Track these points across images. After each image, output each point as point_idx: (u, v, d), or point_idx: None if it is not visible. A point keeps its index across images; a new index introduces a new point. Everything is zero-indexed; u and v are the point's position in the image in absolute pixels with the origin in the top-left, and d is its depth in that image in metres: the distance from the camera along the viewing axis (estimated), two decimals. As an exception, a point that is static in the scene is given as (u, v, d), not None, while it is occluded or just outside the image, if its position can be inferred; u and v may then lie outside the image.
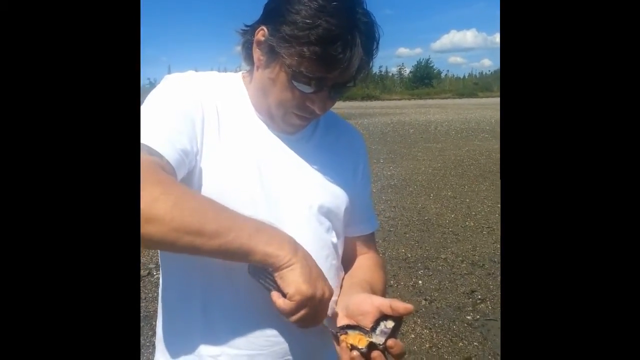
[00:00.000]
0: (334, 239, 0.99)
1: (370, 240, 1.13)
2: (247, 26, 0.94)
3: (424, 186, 7.38)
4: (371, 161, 9.59)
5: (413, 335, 3.10)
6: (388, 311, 0.82)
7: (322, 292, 0.79)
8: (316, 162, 0.98)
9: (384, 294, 1.01)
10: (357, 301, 0.87)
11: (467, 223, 5.44)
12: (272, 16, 0.88)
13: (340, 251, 1.03)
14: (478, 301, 3.52)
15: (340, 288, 1.00)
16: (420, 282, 3.90)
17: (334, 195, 0.98)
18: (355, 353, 0.80)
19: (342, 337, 0.82)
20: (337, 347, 0.84)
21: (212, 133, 0.89)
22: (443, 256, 4.45)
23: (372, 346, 0.79)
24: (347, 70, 0.85)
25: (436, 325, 3.21)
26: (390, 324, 0.81)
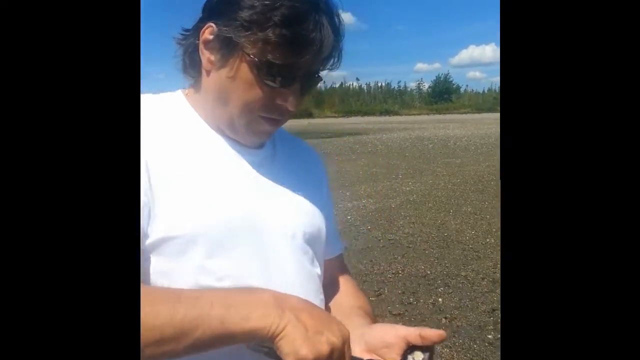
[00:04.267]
0: (318, 270, 0.88)
1: (342, 261, 1.05)
2: (186, 30, 0.82)
3: (443, 202, 7.32)
4: (390, 177, 9.61)
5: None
6: (417, 341, 0.73)
7: (330, 344, 0.65)
8: (287, 183, 0.88)
9: (373, 316, 0.93)
10: (379, 333, 0.77)
11: (487, 240, 5.37)
12: (219, 9, 0.77)
13: (321, 281, 0.91)
14: (499, 320, 3.46)
15: None
16: (440, 299, 3.85)
17: (313, 219, 0.89)
18: None
19: None
20: None
21: (162, 172, 0.74)
22: (463, 273, 4.39)
23: None
24: (320, 53, 0.75)
25: (456, 344, 3.16)
26: (419, 355, 0.73)
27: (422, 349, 0.72)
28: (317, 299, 0.85)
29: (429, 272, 4.44)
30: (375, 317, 0.92)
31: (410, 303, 3.80)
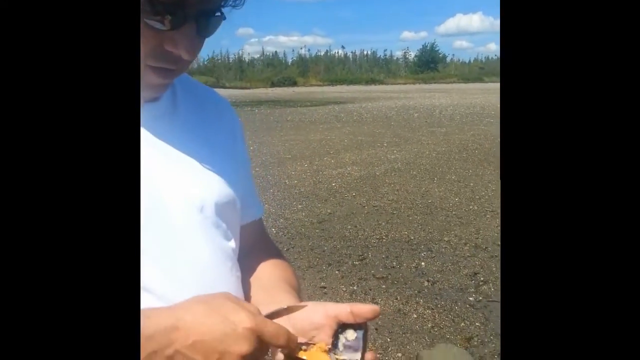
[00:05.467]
0: (233, 244, 0.77)
1: (262, 226, 0.94)
2: None
3: (428, 170, 7.37)
4: (375, 145, 9.62)
5: (415, 315, 3.12)
6: (349, 319, 0.65)
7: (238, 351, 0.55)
8: (191, 144, 0.74)
9: (299, 290, 0.84)
10: (305, 314, 0.67)
11: (470, 207, 5.44)
12: None
13: (236, 254, 0.80)
14: (481, 283, 3.53)
15: (249, 300, 0.78)
16: (423, 263, 3.91)
17: (225, 185, 0.76)
18: None
19: (302, 355, 0.63)
20: None
21: None
22: (446, 239, 4.45)
23: None
24: None
25: (438, 306, 3.22)
26: (352, 334, 0.65)
27: (355, 326, 0.65)
28: (233, 277, 0.75)
29: (412, 238, 4.49)
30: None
31: (393, 267, 3.85)
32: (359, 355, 0.63)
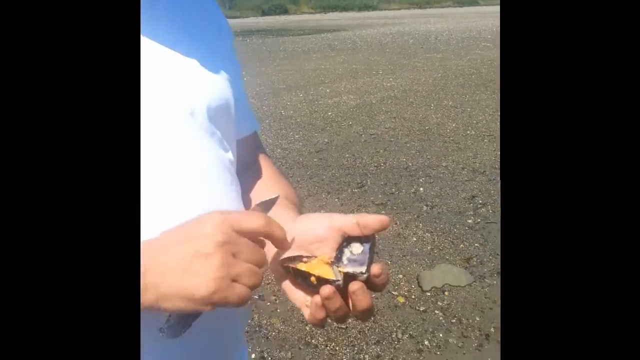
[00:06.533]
0: (230, 155, 0.71)
1: (258, 140, 0.87)
2: None
3: (424, 97, 7.28)
4: (370, 73, 9.46)
5: (415, 239, 3.18)
6: (355, 231, 0.59)
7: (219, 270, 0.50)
8: (174, 38, 0.65)
9: (301, 208, 0.78)
10: (309, 226, 0.62)
11: (468, 132, 5.42)
12: None
13: (234, 168, 0.74)
14: (479, 206, 3.58)
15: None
16: (421, 189, 3.94)
17: (218, 88, 0.69)
18: (327, 290, 0.55)
19: (301, 267, 0.58)
20: (290, 292, 0.60)
21: None
22: (444, 164, 4.47)
23: (348, 278, 0.57)
24: None
25: (437, 228, 3.28)
26: (358, 247, 0.59)
27: (362, 239, 0.59)
28: (233, 192, 0.69)
29: (410, 164, 4.50)
30: (302, 208, 0.78)
31: (392, 193, 3.88)
32: (364, 268, 0.57)
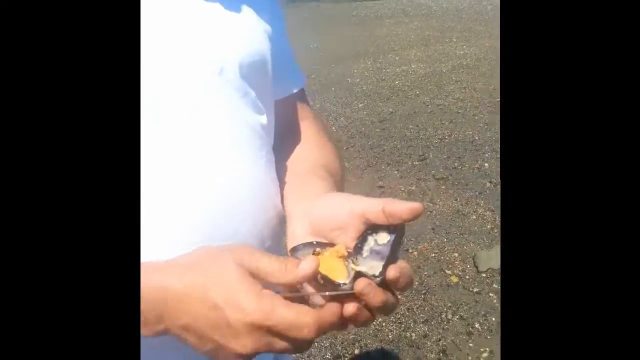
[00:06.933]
0: (264, 119, 0.65)
1: (304, 99, 0.78)
2: None
3: (498, 67, 6.91)
4: (443, 40, 9.09)
5: (474, 217, 3.06)
6: (380, 219, 0.50)
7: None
8: None
9: (342, 177, 0.70)
10: (328, 210, 0.55)
11: (542, 105, 5.11)
12: None
13: (272, 134, 0.68)
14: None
15: (283, 188, 0.67)
16: (486, 164, 3.77)
17: (253, 43, 0.63)
18: (334, 309, 0.46)
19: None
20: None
21: None
22: (513, 139, 4.25)
23: (359, 277, 0.47)
24: None
25: (499, 207, 3.14)
26: (384, 237, 0.50)
27: (389, 228, 0.50)
28: (261, 160, 0.63)
29: (476, 138, 4.31)
30: (346, 179, 0.71)
31: (454, 167, 3.74)
32: (380, 266, 0.48)
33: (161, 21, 0.57)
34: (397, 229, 0.50)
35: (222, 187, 0.58)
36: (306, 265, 0.46)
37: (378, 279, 0.47)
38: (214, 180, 0.56)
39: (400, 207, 0.49)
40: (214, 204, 0.57)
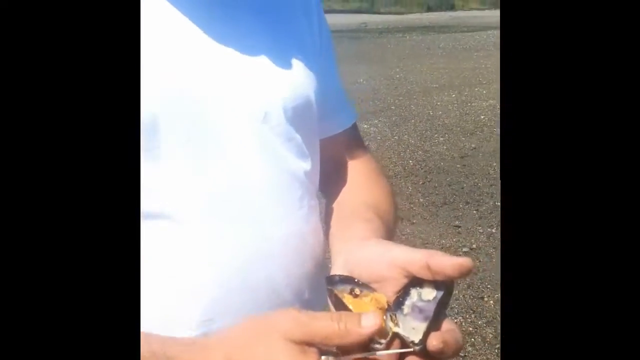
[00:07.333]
0: (307, 164, 0.63)
1: (355, 136, 0.75)
2: None
3: (596, 103, 6.48)
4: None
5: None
6: (424, 274, 0.45)
7: None
8: (252, 30, 0.59)
9: (394, 221, 0.67)
10: (367, 261, 0.50)
11: None
12: None
13: (317, 178, 0.66)
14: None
15: (328, 234, 0.64)
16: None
17: (299, 85, 0.61)
18: None
19: (347, 301, 0.46)
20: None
21: None
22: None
23: (395, 340, 0.44)
24: None
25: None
26: (430, 293, 0.45)
27: (436, 283, 0.45)
28: (302, 210, 0.61)
29: (567, 180, 3.98)
30: (398, 217, 0.65)
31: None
32: (423, 327, 0.43)
33: (205, 60, 0.56)
34: (445, 285, 0.45)
35: (254, 238, 0.58)
36: (370, 322, 0.41)
37: (418, 347, 0.43)
38: (245, 230, 0.57)
39: (447, 262, 0.44)
40: (244, 256, 0.57)
